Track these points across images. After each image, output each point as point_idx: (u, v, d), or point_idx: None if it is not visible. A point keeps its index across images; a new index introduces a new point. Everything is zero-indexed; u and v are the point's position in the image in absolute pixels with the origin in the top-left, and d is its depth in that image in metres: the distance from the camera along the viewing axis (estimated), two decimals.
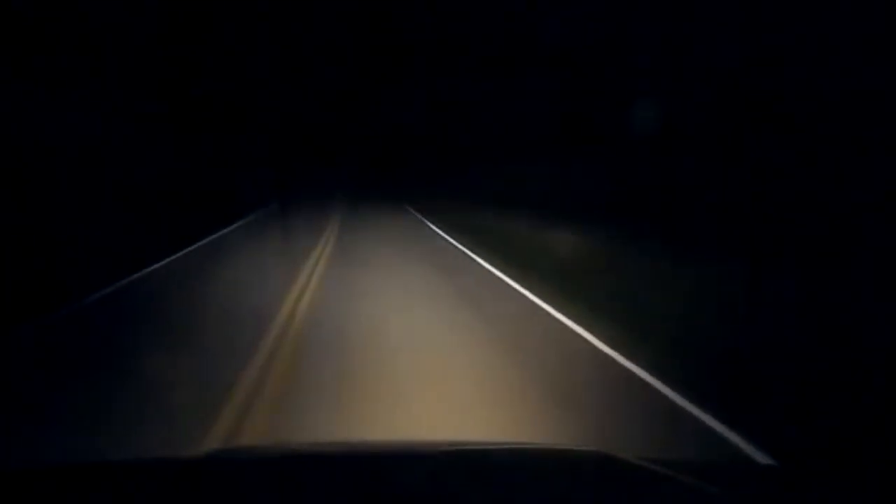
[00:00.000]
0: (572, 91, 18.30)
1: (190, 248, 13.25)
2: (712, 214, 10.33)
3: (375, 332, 6.66)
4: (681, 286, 7.81)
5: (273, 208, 26.65)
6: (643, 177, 13.57)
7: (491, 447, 2.22)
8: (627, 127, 14.14)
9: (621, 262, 9.71)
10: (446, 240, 16.05)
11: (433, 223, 20.14)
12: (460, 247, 14.38)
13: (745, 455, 3.87)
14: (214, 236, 15.81)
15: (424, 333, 6.71)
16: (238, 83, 28.68)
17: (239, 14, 29.64)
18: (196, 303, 8.40)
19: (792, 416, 4.36)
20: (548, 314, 7.74)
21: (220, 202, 21.42)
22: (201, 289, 9.50)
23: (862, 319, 5.93)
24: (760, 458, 3.79)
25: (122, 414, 4.34)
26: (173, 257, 11.97)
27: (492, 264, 11.59)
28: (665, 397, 4.89)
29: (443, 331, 6.86)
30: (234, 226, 18.78)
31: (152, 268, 10.72)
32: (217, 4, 25.97)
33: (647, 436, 4.19)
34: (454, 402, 4.65)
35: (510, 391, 5.01)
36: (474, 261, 12.32)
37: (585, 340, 6.54)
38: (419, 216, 23.25)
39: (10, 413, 4.43)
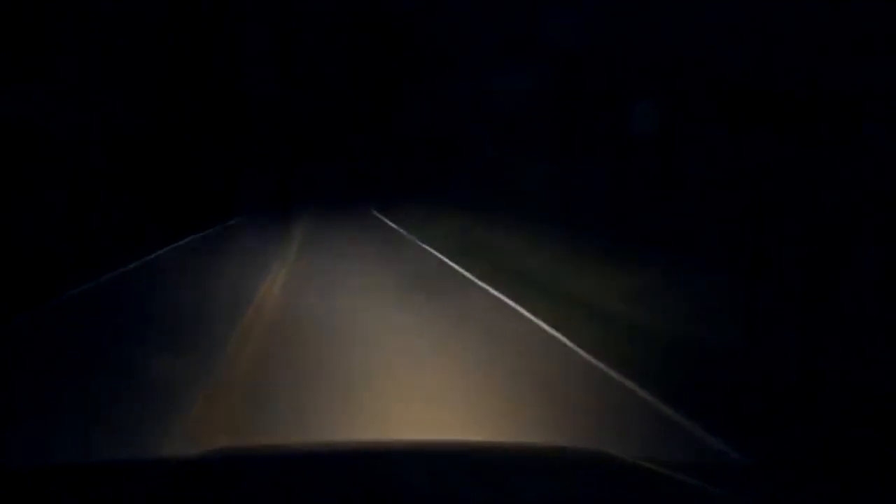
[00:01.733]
0: (571, 91, 18.30)
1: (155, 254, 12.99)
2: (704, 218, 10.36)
3: None
4: None
5: (271, 208, 26.63)
6: (641, 180, 13.57)
7: (491, 447, 2.22)
8: (626, 128, 14.14)
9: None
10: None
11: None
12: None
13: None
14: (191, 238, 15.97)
15: None
16: (234, 86, 28.62)
17: (237, 16, 29.63)
18: None
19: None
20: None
21: (213, 203, 21.49)
22: None
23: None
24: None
25: None
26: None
27: None
28: None
29: None
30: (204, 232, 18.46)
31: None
32: (215, 7, 25.92)
33: None
34: None
35: None
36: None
37: None
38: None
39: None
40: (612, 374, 5.45)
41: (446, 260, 13.14)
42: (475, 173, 25.40)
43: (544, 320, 7.45)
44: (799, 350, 5.76)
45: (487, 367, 5.65)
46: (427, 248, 15.35)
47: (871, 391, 4.69)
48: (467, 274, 11.29)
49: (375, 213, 28.15)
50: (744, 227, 9.33)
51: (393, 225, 22.23)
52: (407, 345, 6.43)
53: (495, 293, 9.39)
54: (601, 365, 5.66)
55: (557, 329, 6.99)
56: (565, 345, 6.49)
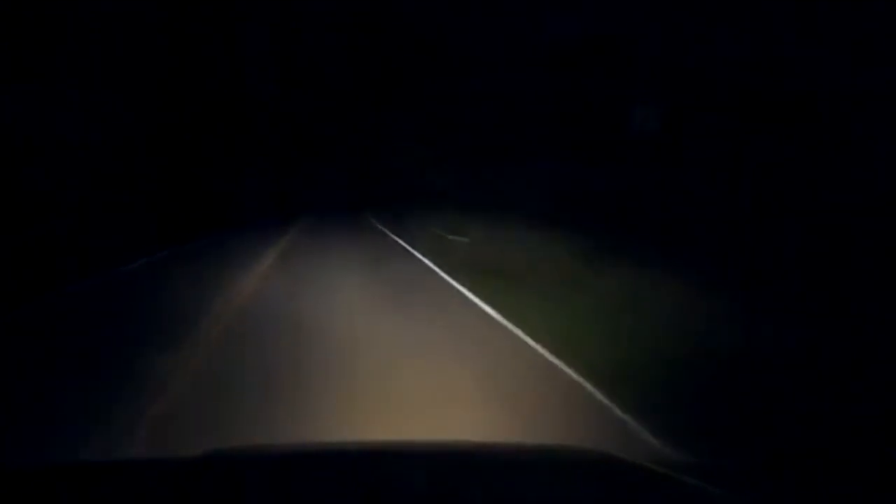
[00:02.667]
0: (572, 92, 18.29)
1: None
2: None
3: None
4: None
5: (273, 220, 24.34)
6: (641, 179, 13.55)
7: (491, 447, 2.22)
8: (627, 128, 14.13)
9: None
10: None
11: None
12: None
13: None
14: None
15: None
16: (234, 86, 28.54)
17: (237, 16, 29.60)
18: None
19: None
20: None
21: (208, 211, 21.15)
22: None
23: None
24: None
25: None
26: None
27: None
28: None
29: None
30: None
31: None
32: (216, 8, 25.87)
33: None
34: None
35: None
36: None
37: None
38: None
39: None
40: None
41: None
42: (476, 174, 25.33)
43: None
44: (795, 347, 5.76)
45: None
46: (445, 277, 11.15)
47: (870, 390, 4.70)
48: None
49: (370, 217, 27.37)
50: (743, 225, 9.33)
51: (383, 227, 21.05)
52: None
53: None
54: None
55: None
56: None
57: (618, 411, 4.40)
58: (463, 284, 10.07)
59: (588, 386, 4.95)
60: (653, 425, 4.07)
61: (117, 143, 15.43)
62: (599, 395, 4.73)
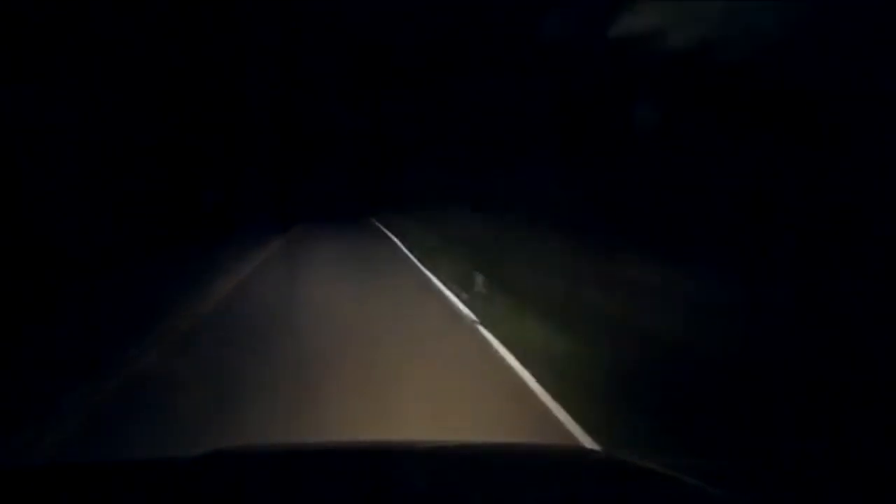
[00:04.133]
0: (569, 91, 18.26)
1: None
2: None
3: None
4: None
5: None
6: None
7: (491, 447, 2.22)
8: (626, 129, 14.12)
9: None
10: None
11: None
12: None
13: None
14: None
15: None
16: (234, 86, 28.45)
17: (240, 17, 29.62)
18: None
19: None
20: None
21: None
22: None
23: None
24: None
25: None
26: None
27: None
28: None
29: None
30: None
31: None
32: (216, 10, 25.83)
33: None
34: None
35: None
36: None
37: None
38: None
39: None
40: None
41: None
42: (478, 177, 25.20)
43: None
44: (795, 349, 5.76)
45: None
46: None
47: (870, 391, 4.70)
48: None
49: (375, 221, 27.49)
50: (741, 228, 9.32)
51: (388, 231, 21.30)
52: None
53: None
54: None
55: None
56: None
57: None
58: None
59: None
60: None
61: (117, 143, 15.43)
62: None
